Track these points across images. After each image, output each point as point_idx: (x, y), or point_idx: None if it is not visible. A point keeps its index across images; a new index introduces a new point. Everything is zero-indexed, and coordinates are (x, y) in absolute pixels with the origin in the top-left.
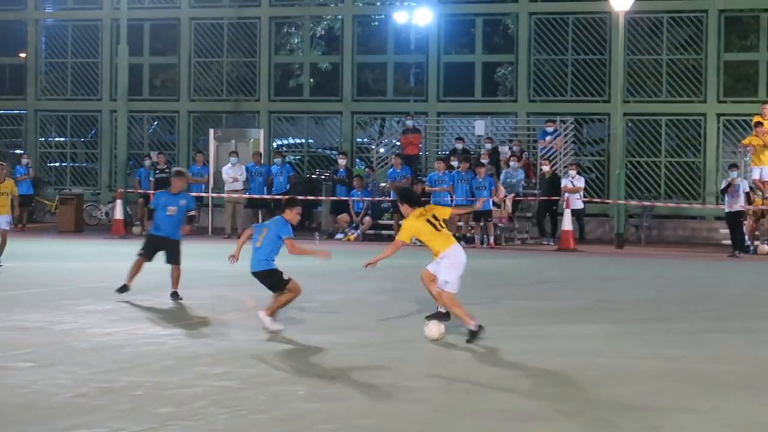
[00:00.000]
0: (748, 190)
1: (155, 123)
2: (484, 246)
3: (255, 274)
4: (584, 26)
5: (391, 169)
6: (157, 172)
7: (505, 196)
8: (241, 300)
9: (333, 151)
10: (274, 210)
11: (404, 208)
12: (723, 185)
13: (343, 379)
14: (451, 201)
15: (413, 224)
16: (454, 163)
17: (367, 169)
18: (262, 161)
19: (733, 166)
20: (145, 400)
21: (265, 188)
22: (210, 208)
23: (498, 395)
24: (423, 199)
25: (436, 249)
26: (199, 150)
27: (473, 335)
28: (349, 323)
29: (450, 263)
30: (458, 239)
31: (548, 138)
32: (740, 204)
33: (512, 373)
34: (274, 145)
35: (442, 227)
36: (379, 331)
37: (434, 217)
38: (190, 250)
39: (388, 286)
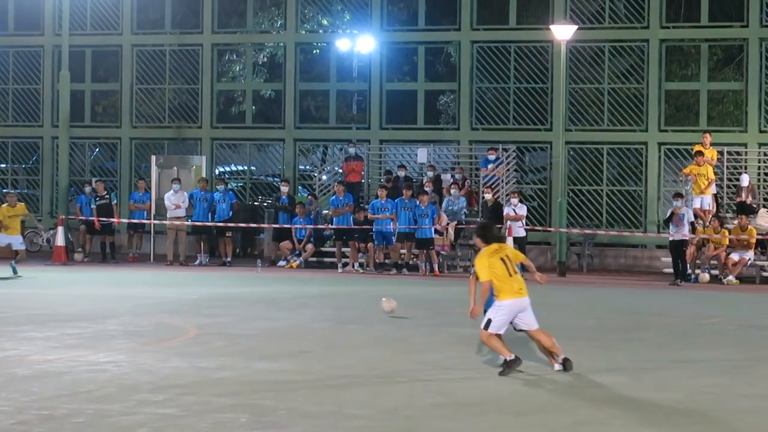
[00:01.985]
0: (692, 219)
1: (97, 150)
2: (428, 274)
3: None
4: (526, 55)
5: (333, 197)
6: (98, 199)
7: (448, 224)
8: (183, 327)
9: (275, 178)
10: (217, 236)
11: (478, 242)
12: (667, 214)
13: (286, 407)
14: (394, 229)
15: (487, 261)
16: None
17: (309, 197)
18: (207, 188)
19: (678, 195)
20: (87, 428)
21: (210, 215)
22: (152, 235)
23: (439, 423)
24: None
25: (503, 294)
26: (141, 177)
27: (507, 365)
28: (292, 350)
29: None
30: (401, 267)
31: (490, 166)
32: (684, 233)
33: (452, 400)
34: (217, 172)
35: (516, 272)
36: (322, 359)
37: (507, 257)
38: (132, 276)
39: (329, 314)
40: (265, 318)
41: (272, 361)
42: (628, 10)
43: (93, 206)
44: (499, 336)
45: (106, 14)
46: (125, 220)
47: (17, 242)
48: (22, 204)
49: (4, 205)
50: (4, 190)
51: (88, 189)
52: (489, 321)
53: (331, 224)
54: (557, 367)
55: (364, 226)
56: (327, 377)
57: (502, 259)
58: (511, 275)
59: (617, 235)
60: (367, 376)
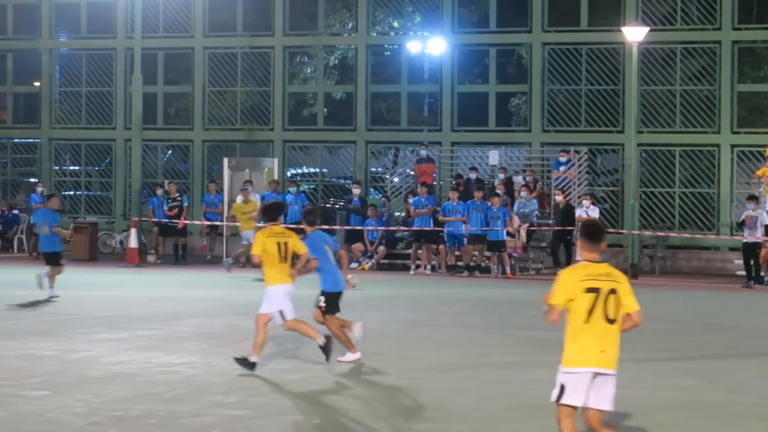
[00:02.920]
0: (766, 222)
1: (169, 152)
2: (499, 276)
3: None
4: (598, 57)
5: (416, 198)
6: (170, 201)
7: (519, 226)
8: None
9: (347, 181)
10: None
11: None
12: (741, 218)
13: (357, 409)
14: (465, 231)
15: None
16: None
17: (383, 198)
18: (279, 190)
19: (752, 198)
20: (159, 429)
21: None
22: (224, 237)
23: (510, 426)
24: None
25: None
26: (213, 179)
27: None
28: (363, 353)
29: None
30: (473, 269)
31: (562, 168)
32: (757, 235)
33: (523, 402)
34: (288, 174)
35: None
36: (393, 361)
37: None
38: (205, 278)
39: (400, 316)
40: None
41: (343, 363)
42: (700, 12)
43: (165, 207)
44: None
45: (178, 17)
46: (192, 222)
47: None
48: (255, 201)
49: (239, 202)
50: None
51: (160, 191)
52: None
53: (411, 226)
54: None
55: (436, 228)
56: (398, 379)
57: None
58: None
59: (690, 238)
60: (439, 378)
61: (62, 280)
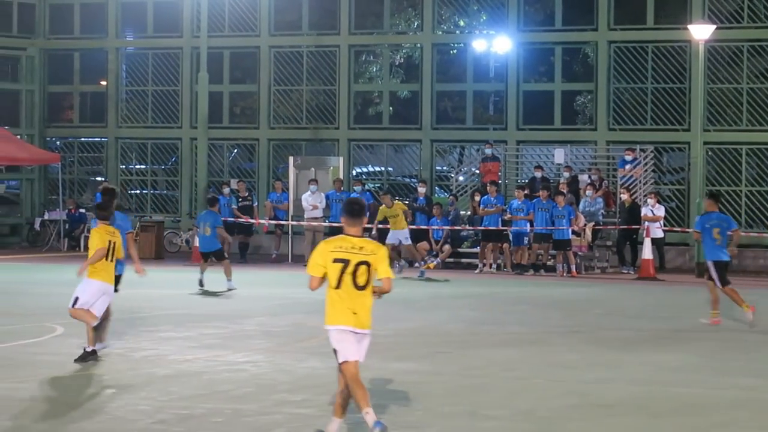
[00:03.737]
0: None
1: (235, 150)
2: (565, 275)
3: None
4: (664, 55)
5: (485, 196)
6: (240, 200)
7: (585, 225)
8: (319, 328)
9: (412, 179)
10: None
11: None
12: None
13: (422, 408)
14: (531, 229)
15: None
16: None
17: (451, 197)
18: (343, 188)
19: None
20: (225, 427)
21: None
22: (290, 236)
23: (574, 425)
24: (498, 229)
25: None
26: (278, 177)
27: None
28: (427, 351)
29: None
30: (538, 268)
31: (628, 166)
32: None
33: (587, 401)
34: (354, 172)
35: None
36: (457, 360)
37: None
38: (270, 277)
39: (465, 315)
40: (400, 318)
41: (408, 361)
42: (767, 9)
43: (234, 206)
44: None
45: (243, 16)
46: (265, 221)
47: (403, 236)
48: (399, 202)
49: (382, 206)
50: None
51: (226, 190)
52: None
53: (477, 224)
54: None
55: (503, 227)
56: (462, 378)
57: None
58: None
59: (756, 237)
60: (503, 376)
61: (128, 278)
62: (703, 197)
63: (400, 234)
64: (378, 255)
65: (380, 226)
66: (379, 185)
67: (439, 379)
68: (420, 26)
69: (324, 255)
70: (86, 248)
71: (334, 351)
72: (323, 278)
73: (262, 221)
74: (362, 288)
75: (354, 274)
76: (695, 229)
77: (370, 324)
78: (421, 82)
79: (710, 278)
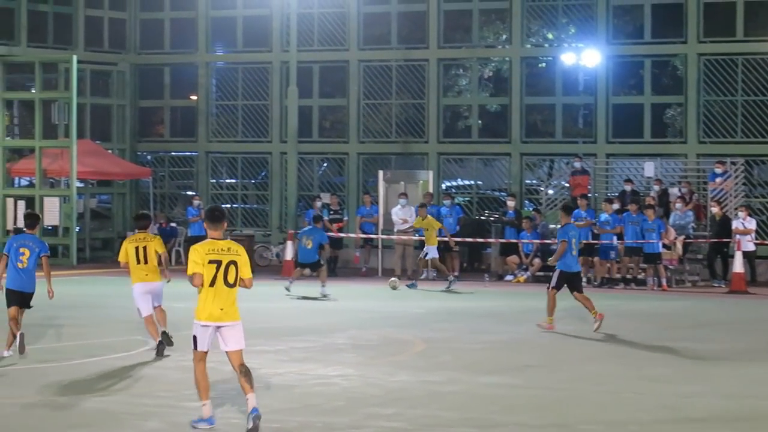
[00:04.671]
0: None
1: (325, 164)
2: (656, 288)
3: None
4: (754, 67)
5: (576, 210)
6: (331, 213)
7: (675, 239)
8: (410, 341)
9: (501, 193)
10: (444, 251)
11: None
12: None
13: (513, 422)
14: (619, 243)
15: None
16: (615, 206)
17: (534, 212)
18: (432, 202)
19: None
20: None
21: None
22: (380, 250)
23: None
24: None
25: None
26: (367, 191)
27: None
28: (517, 364)
29: None
30: (628, 281)
31: (718, 179)
32: None
33: (679, 415)
34: (443, 186)
35: None
36: (547, 373)
37: None
38: (360, 290)
39: (556, 328)
40: (491, 332)
41: (498, 375)
42: None
43: (326, 219)
44: None
45: (333, 30)
46: (348, 234)
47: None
48: (433, 219)
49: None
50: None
51: (317, 204)
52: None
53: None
54: None
55: (593, 241)
56: (552, 391)
57: None
58: None
59: None
60: (593, 390)
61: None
62: None
63: (430, 249)
64: (242, 257)
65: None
66: (468, 199)
67: (529, 392)
68: (509, 39)
69: (201, 257)
70: (177, 262)
71: (194, 339)
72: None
73: (341, 234)
74: (232, 285)
75: (225, 273)
76: None
77: (238, 315)
78: (510, 96)
79: None
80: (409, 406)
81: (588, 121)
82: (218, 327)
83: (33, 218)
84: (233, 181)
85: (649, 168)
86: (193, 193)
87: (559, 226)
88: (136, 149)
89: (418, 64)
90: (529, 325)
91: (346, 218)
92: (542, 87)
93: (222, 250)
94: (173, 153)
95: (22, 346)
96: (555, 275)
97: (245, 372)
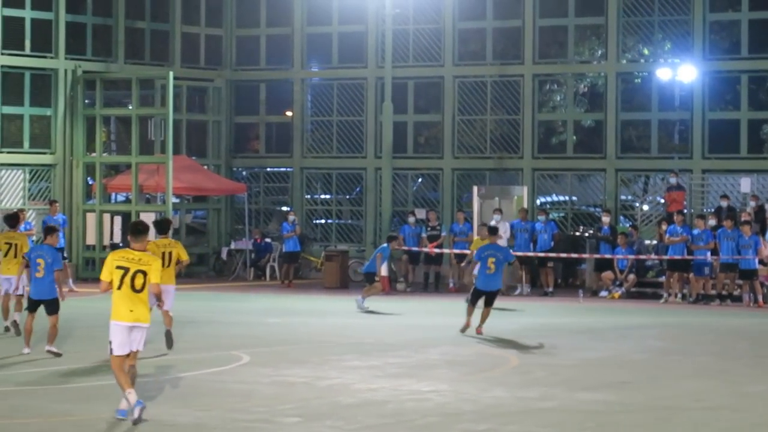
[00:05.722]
0: None
1: (419, 180)
2: (751, 305)
3: None
4: None
5: (672, 225)
6: (429, 229)
7: None
8: (504, 357)
9: (597, 209)
10: (539, 266)
11: None
12: None
13: None
14: (712, 259)
15: None
16: (712, 222)
17: (630, 228)
18: (527, 218)
19: None
20: None
21: (531, 245)
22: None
23: None
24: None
25: None
26: (461, 207)
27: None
28: (613, 381)
29: None
30: (724, 298)
31: None
32: None
33: None
34: (538, 202)
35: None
36: (643, 390)
37: None
38: (453, 306)
39: (650, 344)
40: (585, 348)
41: (593, 391)
42: None
43: (424, 235)
44: None
45: (428, 46)
46: (442, 250)
47: None
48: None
49: (477, 237)
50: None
51: (411, 219)
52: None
53: (665, 254)
54: None
55: (688, 257)
56: (649, 408)
57: None
58: None
59: None
60: (691, 407)
61: (314, 307)
62: None
63: None
64: (152, 266)
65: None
66: (563, 214)
67: (626, 409)
68: (604, 55)
69: (111, 264)
70: (272, 278)
71: (110, 342)
72: (111, 282)
73: (436, 249)
74: (139, 291)
75: (132, 279)
76: None
77: (148, 319)
78: (605, 111)
79: None
80: (504, 422)
81: (684, 136)
82: (130, 327)
83: (50, 230)
84: (328, 196)
85: (746, 183)
86: (288, 209)
87: (656, 242)
88: (232, 165)
89: (513, 79)
90: (625, 342)
91: (444, 234)
92: (638, 102)
93: (132, 259)
94: (268, 169)
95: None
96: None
97: (133, 373)
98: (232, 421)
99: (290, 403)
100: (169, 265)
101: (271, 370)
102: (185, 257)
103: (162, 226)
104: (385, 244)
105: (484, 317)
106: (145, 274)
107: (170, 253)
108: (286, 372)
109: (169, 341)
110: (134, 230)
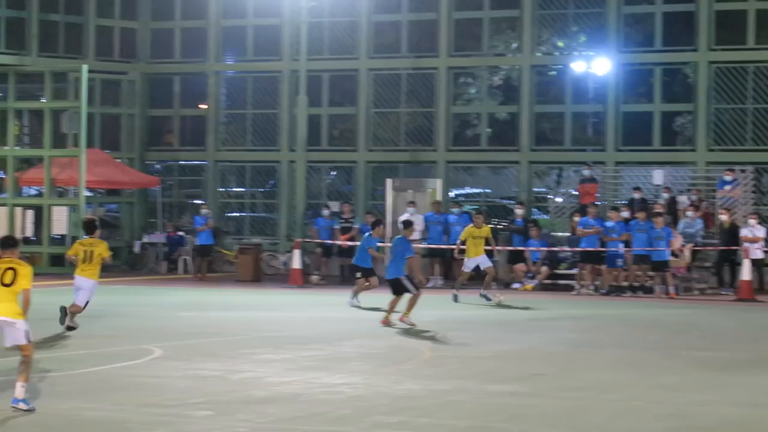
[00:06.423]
0: None
1: (333, 173)
2: (663, 296)
3: None
4: (765, 75)
5: (584, 218)
6: (342, 221)
7: (683, 246)
8: (417, 349)
9: (510, 201)
10: (451, 259)
11: None
12: None
13: (521, 430)
14: (625, 250)
15: None
16: (625, 214)
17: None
18: (441, 210)
19: None
20: None
21: (444, 237)
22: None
23: None
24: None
25: None
26: (369, 210)
27: None
28: (525, 373)
29: None
30: (636, 289)
31: (727, 187)
32: None
33: (688, 424)
34: (452, 194)
35: None
36: (556, 382)
37: None
38: (367, 299)
39: (563, 336)
40: (499, 340)
41: (506, 383)
42: None
43: (336, 227)
44: None
45: (343, 39)
46: (355, 243)
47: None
48: (488, 227)
49: (470, 226)
50: (471, 209)
51: (326, 212)
52: None
53: (577, 246)
54: None
55: (601, 249)
56: (561, 400)
57: None
58: None
59: None
60: (602, 399)
61: (228, 301)
62: None
63: (480, 259)
64: (23, 271)
65: (462, 246)
66: (477, 207)
67: (538, 401)
68: (519, 48)
69: None
70: (185, 271)
71: None
72: None
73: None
74: (8, 285)
75: (2, 275)
76: None
77: (17, 315)
78: (519, 104)
79: None
80: (416, 414)
81: (597, 129)
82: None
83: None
84: (242, 189)
85: (658, 176)
86: (202, 202)
87: (568, 234)
88: (145, 158)
89: (427, 72)
90: (538, 334)
91: (356, 226)
92: (552, 95)
93: (4, 263)
94: (182, 162)
95: None
96: None
97: (23, 368)
98: (143, 415)
99: (202, 397)
100: (91, 262)
101: (183, 364)
102: (107, 254)
103: (88, 227)
104: (366, 234)
105: (390, 307)
106: (15, 271)
107: (92, 252)
108: (199, 366)
109: (63, 318)
110: (3, 244)
